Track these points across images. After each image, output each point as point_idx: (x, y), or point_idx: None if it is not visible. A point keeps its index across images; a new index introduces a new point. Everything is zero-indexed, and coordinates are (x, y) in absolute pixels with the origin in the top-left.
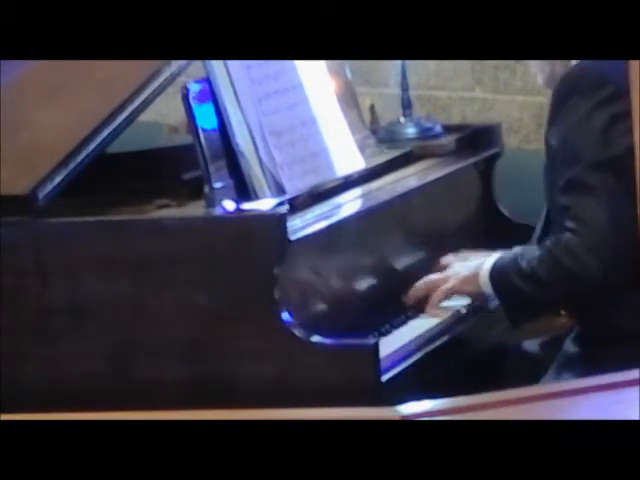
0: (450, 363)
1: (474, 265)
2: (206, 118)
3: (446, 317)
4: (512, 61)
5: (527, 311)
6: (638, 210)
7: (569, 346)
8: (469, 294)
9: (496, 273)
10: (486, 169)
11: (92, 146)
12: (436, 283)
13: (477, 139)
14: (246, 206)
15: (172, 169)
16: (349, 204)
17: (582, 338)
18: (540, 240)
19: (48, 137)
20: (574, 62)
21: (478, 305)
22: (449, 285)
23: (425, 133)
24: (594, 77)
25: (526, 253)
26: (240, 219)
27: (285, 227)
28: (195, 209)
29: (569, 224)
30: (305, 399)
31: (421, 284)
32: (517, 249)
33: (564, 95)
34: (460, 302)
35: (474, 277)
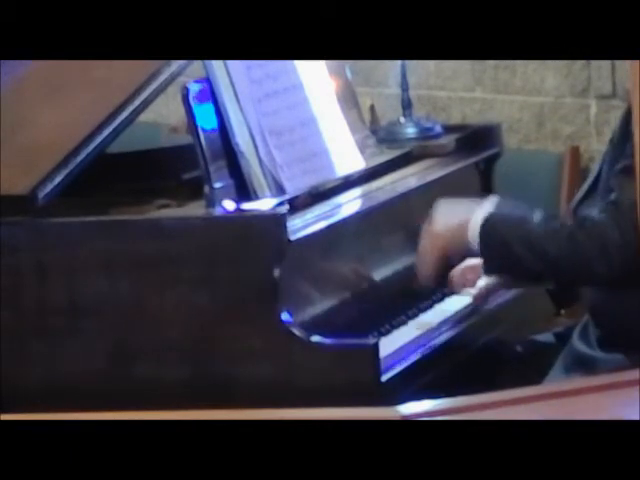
0: (450, 363)
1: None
2: (206, 118)
3: (446, 317)
4: (512, 61)
5: (509, 270)
6: (638, 210)
7: (576, 342)
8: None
9: (491, 223)
10: (486, 169)
11: (92, 146)
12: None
13: (477, 139)
14: (246, 206)
15: (172, 169)
16: (349, 204)
17: (590, 334)
18: (576, 208)
19: (48, 137)
20: None
21: (477, 305)
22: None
23: (425, 133)
24: None
25: (540, 217)
26: (240, 219)
27: (285, 227)
28: (195, 209)
29: (605, 207)
30: (305, 399)
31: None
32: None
33: None
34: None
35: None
